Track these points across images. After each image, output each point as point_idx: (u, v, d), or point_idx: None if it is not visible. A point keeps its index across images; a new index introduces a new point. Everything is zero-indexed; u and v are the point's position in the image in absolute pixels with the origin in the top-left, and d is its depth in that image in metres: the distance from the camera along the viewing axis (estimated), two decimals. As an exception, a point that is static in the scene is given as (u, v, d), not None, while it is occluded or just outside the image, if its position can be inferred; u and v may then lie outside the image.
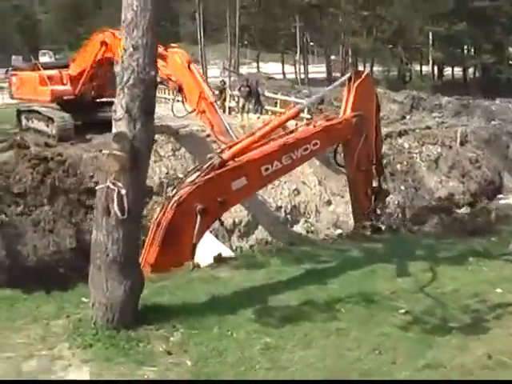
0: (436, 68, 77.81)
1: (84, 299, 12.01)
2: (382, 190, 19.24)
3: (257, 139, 15.52)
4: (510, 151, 45.97)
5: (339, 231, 26.88)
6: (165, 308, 11.70)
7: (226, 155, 14.85)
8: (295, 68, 70.84)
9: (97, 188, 11.02)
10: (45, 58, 60.73)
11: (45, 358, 9.70)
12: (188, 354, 9.83)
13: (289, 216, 27.44)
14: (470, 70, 77.59)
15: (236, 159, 14.88)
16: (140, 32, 10.78)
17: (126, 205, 10.62)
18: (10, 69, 43.97)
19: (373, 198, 18.45)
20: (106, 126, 27.16)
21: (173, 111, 24.04)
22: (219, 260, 17.72)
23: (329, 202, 30.72)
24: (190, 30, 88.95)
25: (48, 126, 26.10)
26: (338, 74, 69.09)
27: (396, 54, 67.60)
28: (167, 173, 25.66)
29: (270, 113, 33.65)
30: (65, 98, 26.80)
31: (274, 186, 28.35)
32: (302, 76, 66.93)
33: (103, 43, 25.01)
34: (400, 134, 39.91)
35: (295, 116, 16.70)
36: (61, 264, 21.10)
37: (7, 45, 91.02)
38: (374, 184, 18.68)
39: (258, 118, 31.85)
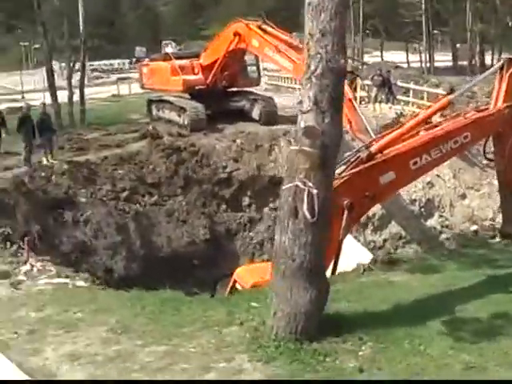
0: None
1: (254, 304, 11.22)
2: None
3: (405, 132, 14.75)
4: None
5: (475, 227, 25.65)
6: (345, 317, 10.57)
7: (373, 148, 14.17)
8: (420, 57, 68.93)
9: (283, 187, 9.85)
10: (168, 48, 62.12)
11: (224, 371, 8.86)
12: (382, 371, 8.81)
13: (423, 210, 26.50)
14: None
15: (384, 152, 14.21)
16: (328, 16, 9.52)
17: (316, 206, 9.63)
18: (134, 60, 44.35)
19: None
20: (237, 115, 28.06)
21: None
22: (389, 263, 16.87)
23: (463, 196, 29.57)
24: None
25: (180, 116, 26.14)
26: (465, 62, 66.87)
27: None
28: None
29: (402, 103, 32.65)
30: (197, 87, 26.78)
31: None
32: (427, 65, 65.00)
33: (236, 34, 24.81)
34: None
35: (445, 108, 15.84)
36: (195, 255, 21.14)
37: (129, 36, 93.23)
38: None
39: (390, 108, 30.93)
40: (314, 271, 9.68)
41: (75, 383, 8.65)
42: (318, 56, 9.40)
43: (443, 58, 74.37)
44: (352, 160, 13.96)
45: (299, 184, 9.35)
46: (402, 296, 11.71)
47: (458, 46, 74.35)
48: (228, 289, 15.45)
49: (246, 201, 23.46)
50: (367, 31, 74.34)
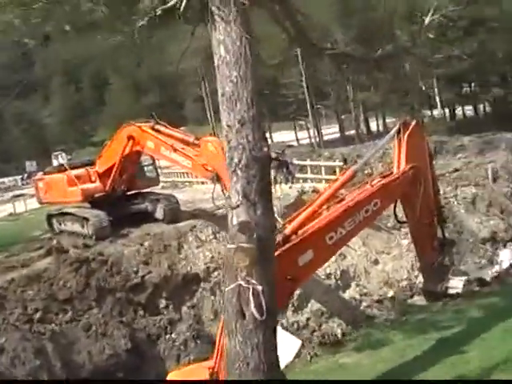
0: (447, 110, 77.79)
1: None
2: (447, 241, 18.43)
3: (316, 208, 14.75)
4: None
5: (391, 293, 25.63)
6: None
7: (288, 230, 14.05)
8: (308, 133, 70.66)
9: (226, 289, 9.47)
10: (59, 159, 61.21)
11: None
12: None
13: (339, 282, 26.57)
14: (480, 106, 77.76)
15: (299, 233, 14.08)
16: (244, 105, 9.54)
17: (263, 304, 9.10)
18: (26, 175, 43.37)
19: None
20: (140, 217, 27.61)
21: (213, 201, 23.18)
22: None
23: (376, 261, 29.82)
24: (194, 112, 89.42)
25: (83, 227, 25.43)
26: (352, 132, 68.97)
27: (406, 103, 67.37)
28: (212, 257, 24.90)
29: (300, 180, 32.99)
30: (96, 195, 26.23)
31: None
32: (317, 139, 66.64)
33: (130, 137, 24.56)
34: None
35: (351, 179, 16.01)
36: (119, 367, 20.22)
37: (17, 152, 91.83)
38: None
39: (290, 187, 31.16)
40: (270, 371, 9.18)
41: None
42: (240, 147, 9.07)
43: (330, 131, 76.53)
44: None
45: (242, 283, 9.03)
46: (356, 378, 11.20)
47: (342, 117, 76.96)
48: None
49: (162, 303, 22.81)
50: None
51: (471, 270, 33.45)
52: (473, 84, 70.71)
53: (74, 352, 20.06)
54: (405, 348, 12.78)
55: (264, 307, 9.03)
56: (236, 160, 9.11)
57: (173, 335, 22.09)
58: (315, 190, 31.24)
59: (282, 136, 72.35)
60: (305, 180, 33.49)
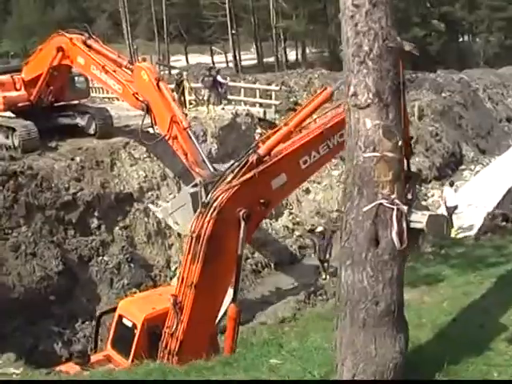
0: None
1: (274, 361, 8.66)
2: (413, 174, 17.66)
3: (292, 129, 13.56)
4: (463, 122, 45.92)
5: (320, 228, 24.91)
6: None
7: (261, 150, 12.82)
8: (226, 57, 68.82)
9: (364, 209, 7.18)
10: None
11: None
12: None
13: (272, 210, 25.85)
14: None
15: (272, 153, 12.93)
16: None
17: (405, 229, 7.15)
18: None
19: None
20: (69, 130, 25.69)
21: (140, 133, 21.69)
22: None
23: (307, 191, 29.34)
24: (104, 28, 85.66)
25: (9, 138, 23.35)
26: (270, 59, 67.73)
27: (329, 35, 66.53)
28: (146, 176, 23.54)
29: (233, 102, 31.76)
30: (20, 104, 24.14)
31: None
32: (231, 64, 64.90)
33: (60, 49, 22.55)
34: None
35: (328, 100, 14.88)
36: (50, 290, 18.84)
37: None
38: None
39: (223, 109, 29.99)
40: (400, 314, 7.36)
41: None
42: (372, 32, 7.04)
43: (246, 57, 74.78)
44: (241, 165, 12.56)
45: (384, 202, 7.05)
46: (439, 317, 9.75)
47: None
48: (113, 326, 13.57)
49: (94, 223, 21.42)
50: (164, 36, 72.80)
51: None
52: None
53: (3, 273, 18.45)
54: (463, 284, 11.64)
55: (405, 234, 7.07)
56: (366, 48, 7.17)
57: (105, 258, 20.80)
58: (249, 114, 30.18)
59: (197, 59, 70.14)
60: (238, 102, 32.21)
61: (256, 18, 67.45)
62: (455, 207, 20.96)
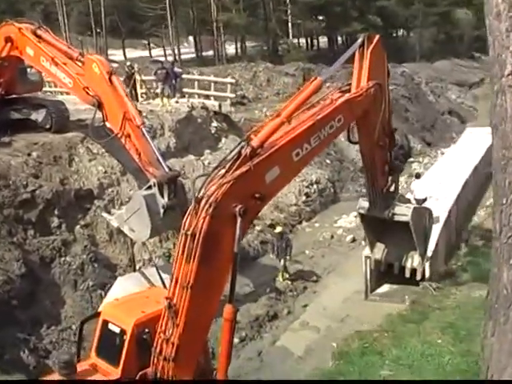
0: (309, 39, 77.54)
1: (386, 372, 7.69)
2: (396, 166, 17.31)
3: (284, 120, 12.91)
4: (409, 115, 46.17)
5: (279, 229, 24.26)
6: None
7: (254, 142, 12.10)
8: (164, 51, 67.46)
9: None
10: None
11: None
12: None
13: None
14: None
15: (265, 146, 12.22)
16: None
17: None
18: None
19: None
20: (20, 125, 24.31)
21: (91, 131, 20.51)
22: None
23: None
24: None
25: (-42, 132, 21.95)
26: (210, 53, 66.92)
27: (269, 29, 66.08)
28: (105, 172, 22.47)
29: (186, 95, 30.91)
30: (-33, 97, 22.71)
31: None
32: (176, 58, 63.49)
33: (8, 39, 21.24)
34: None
35: (318, 90, 14.28)
36: (13, 295, 17.63)
37: None
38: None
39: (177, 102, 29.14)
40: None
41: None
42: None
43: (183, 51, 73.66)
44: (233, 158, 11.82)
45: None
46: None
47: (191, 38, 75.25)
48: (97, 333, 12.63)
49: (54, 221, 20.21)
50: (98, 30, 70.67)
51: (353, 197, 33.50)
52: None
53: (-40, 278, 17.20)
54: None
55: None
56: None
57: (68, 258, 19.64)
58: (204, 107, 29.40)
59: (135, 53, 68.82)
60: (192, 95, 31.37)
61: (195, 11, 66.46)
62: (424, 199, 20.64)
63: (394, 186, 17.36)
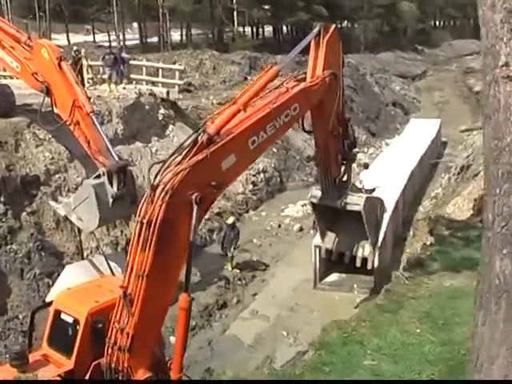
0: (255, 28, 77.31)
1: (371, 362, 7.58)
2: (349, 155, 17.35)
3: (241, 108, 12.80)
4: (354, 105, 46.52)
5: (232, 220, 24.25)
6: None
7: (211, 130, 11.98)
8: (108, 36, 66.35)
9: None
10: None
11: None
12: None
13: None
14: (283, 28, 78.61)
15: (221, 133, 12.12)
16: None
17: None
18: None
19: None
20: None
21: (40, 117, 20.05)
22: None
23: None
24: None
25: None
26: (155, 39, 66.13)
27: (215, 16, 65.66)
28: (52, 158, 22.00)
29: (134, 82, 30.51)
30: None
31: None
32: (115, 44, 62.37)
33: None
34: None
35: (274, 78, 14.19)
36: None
37: None
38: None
39: (124, 88, 28.72)
40: None
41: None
42: None
43: (127, 37, 72.58)
44: (189, 146, 11.70)
45: None
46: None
47: (135, 24, 74.51)
48: (49, 322, 12.33)
49: (0, 208, 19.72)
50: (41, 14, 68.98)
51: (299, 186, 33.69)
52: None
53: None
54: None
55: None
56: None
57: (14, 246, 19.18)
58: (152, 94, 29.04)
59: (77, 38, 67.45)
60: (139, 81, 30.97)
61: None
62: (373, 190, 20.78)
63: (346, 175, 17.42)
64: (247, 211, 29.19)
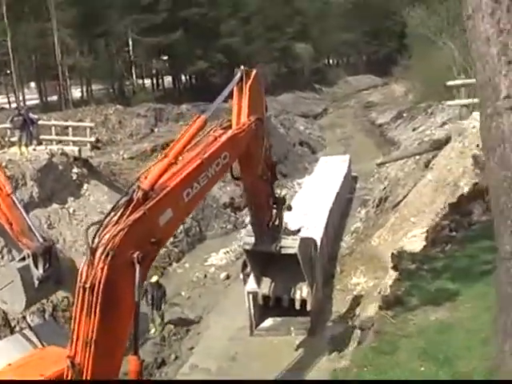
0: (154, 79, 77.40)
1: None
2: (279, 199, 17.39)
3: (173, 160, 12.68)
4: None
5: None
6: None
7: (145, 185, 11.80)
8: (7, 97, 64.93)
9: None
10: None
11: None
12: None
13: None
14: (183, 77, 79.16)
15: (156, 188, 11.96)
16: None
17: None
18: None
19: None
20: None
21: None
22: None
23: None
24: None
25: None
26: (55, 98, 65.22)
27: (114, 71, 65.41)
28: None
29: (44, 142, 29.95)
30: None
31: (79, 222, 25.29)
32: (15, 105, 61.21)
33: None
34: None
35: (202, 128, 14.10)
36: None
37: None
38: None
39: (34, 149, 28.14)
40: None
41: None
42: None
43: (28, 97, 71.37)
44: (125, 203, 11.48)
45: None
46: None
47: (31, 84, 73.60)
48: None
49: None
50: None
51: (219, 234, 33.63)
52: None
53: None
54: (481, 296, 11.38)
55: None
56: None
57: None
58: (64, 153, 28.54)
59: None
60: (50, 142, 30.43)
61: (38, 56, 64.75)
62: (299, 230, 20.93)
63: (278, 219, 17.45)
64: (170, 264, 28.84)
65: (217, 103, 14.56)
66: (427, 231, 20.98)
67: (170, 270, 28.37)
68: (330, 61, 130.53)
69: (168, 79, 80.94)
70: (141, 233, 11.18)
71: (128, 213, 11.17)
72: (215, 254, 30.03)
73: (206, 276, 27.48)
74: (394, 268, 18.83)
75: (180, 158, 13.01)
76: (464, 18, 6.35)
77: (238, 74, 15.54)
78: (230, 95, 15.43)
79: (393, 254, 19.64)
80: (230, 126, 14.95)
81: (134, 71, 70.60)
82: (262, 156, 15.42)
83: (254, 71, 16.05)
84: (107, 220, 11.15)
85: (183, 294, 25.48)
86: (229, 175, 15.85)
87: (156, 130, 46.67)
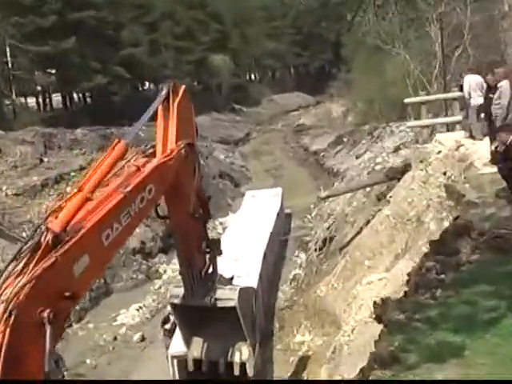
0: (40, 97, 76.22)
1: None
2: (213, 241, 17.24)
3: (88, 195, 12.42)
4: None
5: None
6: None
7: (56, 226, 11.51)
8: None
9: None
10: None
11: None
12: None
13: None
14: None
15: (69, 229, 11.67)
16: None
17: None
18: None
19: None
20: None
21: None
22: None
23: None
24: None
25: None
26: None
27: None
28: None
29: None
30: None
31: None
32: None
33: None
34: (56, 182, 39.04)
35: (124, 154, 13.83)
36: None
37: None
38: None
39: None
40: None
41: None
42: None
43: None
44: (32, 251, 11.17)
45: None
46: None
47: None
48: None
49: None
50: None
51: (129, 286, 33.21)
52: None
53: None
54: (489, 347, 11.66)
55: None
56: None
57: None
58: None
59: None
60: None
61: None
62: (231, 278, 20.91)
63: (212, 266, 17.32)
64: (70, 325, 28.22)
65: (139, 125, 14.41)
66: (408, 275, 21.18)
67: (70, 332, 27.76)
68: (253, 76, 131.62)
69: (57, 97, 79.97)
70: (52, 285, 10.89)
71: (35, 261, 10.84)
72: (125, 310, 29.66)
73: (115, 338, 27.08)
74: (378, 319, 18.92)
75: (97, 192, 12.85)
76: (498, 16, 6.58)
77: (164, 91, 15.46)
78: (154, 116, 15.33)
79: (375, 302, 19.69)
80: (154, 154, 14.80)
81: (12, 88, 69.46)
82: (193, 189, 15.30)
83: (183, 87, 16.00)
84: (8, 270, 10.83)
85: (88, 361, 25.03)
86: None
87: (46, 159, 45.97)
